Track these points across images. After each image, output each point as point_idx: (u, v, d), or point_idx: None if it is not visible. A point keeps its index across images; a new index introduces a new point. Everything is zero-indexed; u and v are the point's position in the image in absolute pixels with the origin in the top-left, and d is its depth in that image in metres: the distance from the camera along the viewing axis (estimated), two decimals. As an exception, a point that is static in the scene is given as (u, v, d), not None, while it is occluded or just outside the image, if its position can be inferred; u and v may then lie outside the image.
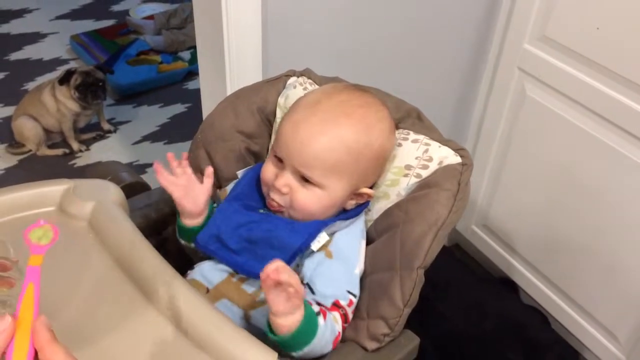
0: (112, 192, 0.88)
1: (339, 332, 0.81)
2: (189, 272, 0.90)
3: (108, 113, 2.51)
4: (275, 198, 0.86)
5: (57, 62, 2.84)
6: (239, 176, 0.96)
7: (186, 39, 2.90)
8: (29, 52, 2.90)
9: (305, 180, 0.85)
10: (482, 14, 1.52)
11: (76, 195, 0.86)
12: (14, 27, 3.09)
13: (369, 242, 0.90)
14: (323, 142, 0.83)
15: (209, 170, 0.88)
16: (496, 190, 1.71)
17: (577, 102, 1.39)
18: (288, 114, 0.88)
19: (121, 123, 2.50)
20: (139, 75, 2.68)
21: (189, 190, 0.87)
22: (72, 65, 2.75)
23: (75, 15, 3.23)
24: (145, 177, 1.68)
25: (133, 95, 2.65)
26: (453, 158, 0.87)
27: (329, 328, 0.79)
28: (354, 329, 0.85)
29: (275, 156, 0.87)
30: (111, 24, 3.13)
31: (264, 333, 0.76)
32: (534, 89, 1.49)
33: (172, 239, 0.97)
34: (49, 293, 0.73)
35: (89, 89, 2.22)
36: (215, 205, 0.94)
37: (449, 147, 0.88)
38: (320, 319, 0.78)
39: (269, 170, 0.88)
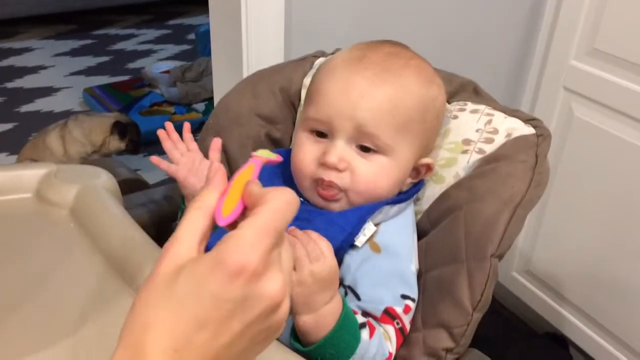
0: (103, 180, 0.73)
1: (391, 354, 0.63)
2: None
3: (118, 160, 2.39)
4: (332, 178, 0.67)
5: (68, 114, 2.75)
6: None
7: (201, 90, 2.85)
8: (40, 104, 2.85)
9: (363, 149, 0.67)
10: (521, 32, 1.40)
11: (58, 179, 0.70)
12: (28, 81, 3.06)
13: (420, 236, 0.72)
14: (389, 92, 0.66)
15: (216, 143, 0.73)
16: (540, 228, 1.53)
17: (637, 119, 1.24)
18: (325, 75, 0.71)
19: (130, 171, 2.38)
20: (151, 124, 2.58)
21: (194, 168, 0.73)
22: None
23: (90, 71, 3.20)
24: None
25: (144, 145, 2.55)
26: (524, 129, 0.71)
27: (376, 347, 0.61)
28: (406, 343, 0.65)
29: (312, 131, 0.70)
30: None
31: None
32: (582, 109, 1.35)
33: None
34: (20, 286, 0.59)
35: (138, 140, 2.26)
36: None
37: (516, 117, 0.73)
38: (365, 334, 0.61)
39: (308, 150, 0.69)
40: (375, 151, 0.68)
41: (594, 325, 1.48)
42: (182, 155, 0.75)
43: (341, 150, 0.67)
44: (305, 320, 0.56)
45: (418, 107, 0.68)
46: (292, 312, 0.57)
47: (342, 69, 0.69)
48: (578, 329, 1.52)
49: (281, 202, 0.39)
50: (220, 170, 0.43)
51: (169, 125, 0.76)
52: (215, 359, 0.37)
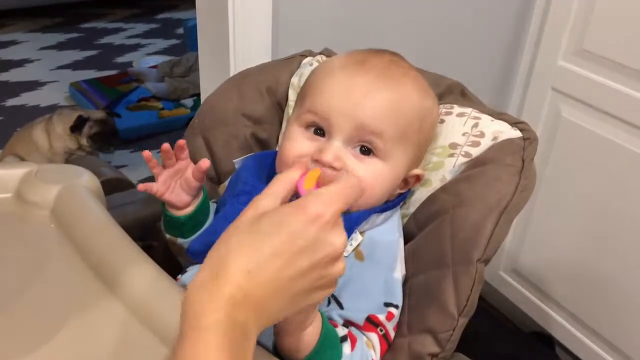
0: (85, 179, 0.71)
1: None
2: (179, 276, 0.70)
3: (105, 157, 2.37)
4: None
5: (54, 108, 2.73)
6: (237, 166, 0.76)
7: (189, 86, 2.82)
8: (26, 98, 2.81)
9: (362, 151, 0.66)
10: (510, 32, 1.40)
11: (38, 179, 0.69)
12: (14, 75, 3.02)
13: (407, 240, 0.71)
14: (390, 96, 0.65)
15: (205, 165, 0.69)
16: (527, 228, 1.53)
17: (626, 120, 1.24)
18: (324, 76, 0.68)
19: (117, 167, 2.35)
20: (139, 120, 2.58)
21: (172, 186, 0.69)
22: (69, 111, 2.65)
23: (76, 65, 3.17)
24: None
25: (133, 141, 2.53)
26: (511, 132, 0.71)
27: (358, 359, 0.61)
28: (391, 349, 0.65)
29: (309, 126, 0.67)
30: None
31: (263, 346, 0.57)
32: (570, 110, 1.35)
33: (158, 249, 0.80)
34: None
35: (104, 138, 2.15)
36: (214, 201, 0.77)
37: (503, 120, 0.72)
38: (346, 347, 0.60)
39: (299, 145, 0.66)
40: (373, 154, 0.66)
41: (579, 325, 1.48)
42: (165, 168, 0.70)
43: (337, 150, 0.65)
44: (290, 342, 0.55)
45: (417, 116, 0.68)
46: (278, 334, 0.56)
47: (342, 70, 0.67)
48: (564, 328, 1.52)
49: (352, 181, 0.50)
50: (303, 160, 0.58)
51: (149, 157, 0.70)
52: (280, 289, 0.45)
